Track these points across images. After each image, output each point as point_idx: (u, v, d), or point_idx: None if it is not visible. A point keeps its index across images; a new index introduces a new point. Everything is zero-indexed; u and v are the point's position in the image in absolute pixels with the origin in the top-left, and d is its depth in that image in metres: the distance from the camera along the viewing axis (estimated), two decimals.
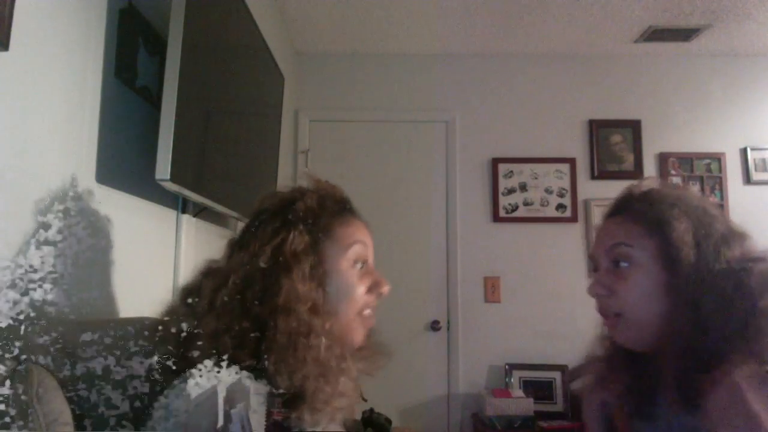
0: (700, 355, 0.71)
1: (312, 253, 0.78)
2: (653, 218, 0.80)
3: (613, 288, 0.82)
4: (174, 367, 0.69)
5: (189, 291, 0.79)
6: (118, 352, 0.75)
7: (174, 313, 0.77)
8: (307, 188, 0.86)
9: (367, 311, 0.84)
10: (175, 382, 0.66)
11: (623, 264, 0.81)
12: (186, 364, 0.68)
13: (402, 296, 2.94)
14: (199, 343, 0.70)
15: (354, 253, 0.83)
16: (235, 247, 0.81)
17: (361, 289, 0.82)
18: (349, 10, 2.71)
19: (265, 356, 0.70)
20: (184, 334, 0.72)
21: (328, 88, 3.18)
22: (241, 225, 2.00)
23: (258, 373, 0.70)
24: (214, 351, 0.69)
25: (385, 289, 0.85)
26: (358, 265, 0.83)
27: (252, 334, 0.71)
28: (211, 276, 0.78)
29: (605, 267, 0.84)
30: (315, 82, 3.18)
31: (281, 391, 0.70)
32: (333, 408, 0.73)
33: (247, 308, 0.73)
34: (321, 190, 0.86)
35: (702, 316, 0.72)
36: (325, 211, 0.82)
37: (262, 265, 0.75)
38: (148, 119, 1.20)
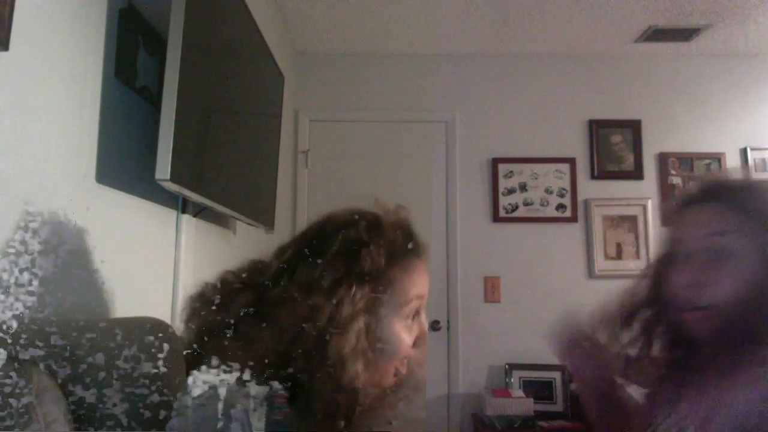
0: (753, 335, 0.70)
1: (369, 313, 0.74)
2: (760, 212, 0.75)
3: (707, 280, 0.76)
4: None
5: (204, 298, 0.77)
6: (117, 353, 0.75)
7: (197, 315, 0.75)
8: (376, 221, 0.82)
9: (405, 363, 0.81)
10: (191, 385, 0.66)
11: (722, 256, 0.75)
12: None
13: None
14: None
15: (410, 310, 0.80)
16: (285, 264, 0.77)
17: (408, 343, 0.80)
18: (349, 10, 2.71)
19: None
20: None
21: (328, 88, 3.18)
22: (241, 225, 1.99)
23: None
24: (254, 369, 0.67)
25: (426, 344, 0.82)
26: (410, 320, 0.80)
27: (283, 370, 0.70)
28: (245, 292, 0.75)
29: (699, 256, 0.78)
30: (315, 82, 3.18)
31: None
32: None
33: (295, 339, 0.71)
34: (390, 230, 0.81)
35: None
36: (392, 266, 0.78)
37: (318, 322, 0.72)
38: (148, 119, 1.20)
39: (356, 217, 0.82)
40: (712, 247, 0.77)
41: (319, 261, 0.75)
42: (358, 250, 0.76)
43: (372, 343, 0.74)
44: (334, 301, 0.72)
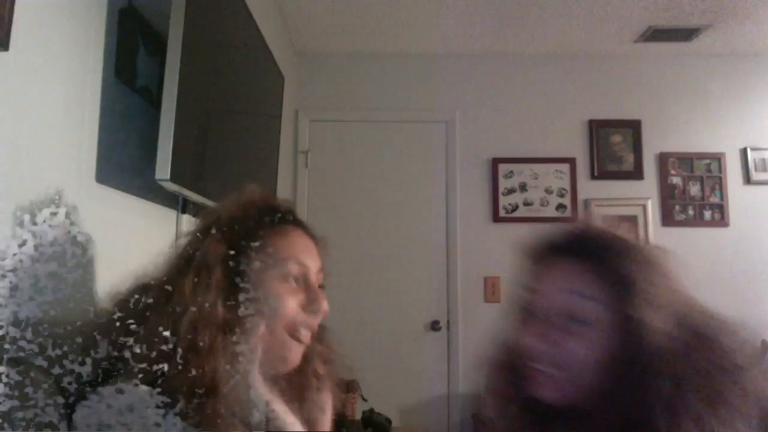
0: (634, 426, 0.63)
1: (226, 263, 0.71)
2: (624, 277, 0.69)
3: (558, 343, 0.71)
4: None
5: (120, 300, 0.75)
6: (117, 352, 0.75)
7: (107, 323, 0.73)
8: (237, 199, 0.80)
9: (304, 332, 0.76)
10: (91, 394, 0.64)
11: (576, 320, 0.70)
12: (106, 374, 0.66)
13: (402, 296, 2.94)
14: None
15: (286, 268, 0.75)
16: (169, 266, 0.76)
17: (290, 304, 0.75)
18: (349, 10, 2.71)
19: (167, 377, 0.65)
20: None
21: (328, 88, 3.18)
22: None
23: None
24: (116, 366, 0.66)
25: (323, 308, 0.77)
26: (291, 281, 0.76)
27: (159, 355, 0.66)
28: (141, 289, 0.73)
29: (552, 318, 0.72)
30: (315, 82, 3.18)
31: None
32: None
33: (158, 325, 0.67)
34: (247, 200, 0.79)
35: (646, 383, 0.64)
36: (249, 219, 0.76)
37: (173, 276, 0.70)
38: (148, 119, 1.20)
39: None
40: (566, 309, 0.71)
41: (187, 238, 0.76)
42: (213, 213, 0.76)
43: (234, 295, 0.70)
44: (188, 254, 0.72)
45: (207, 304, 0.68)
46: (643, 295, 0.67)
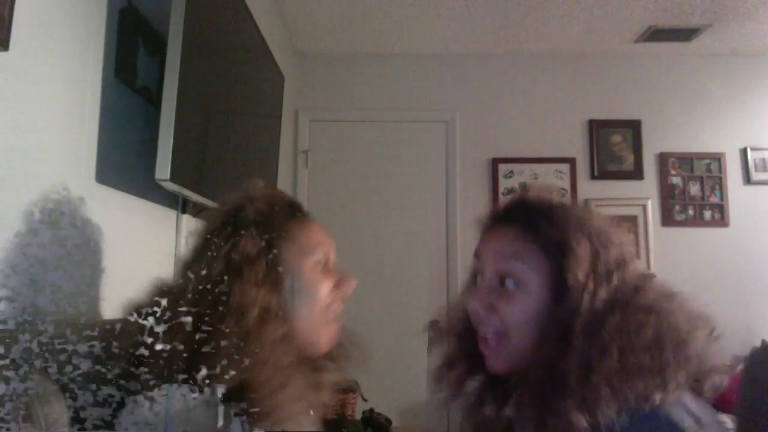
0: (558, 394, 0.64)
1: (266, 255, 0.75)
2: (554, 239, 0.71)
3: (495, 306, 0.73)
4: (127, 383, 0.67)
5: (139, 309, 0.73)
6: (115, 353, 0.75)
7: (125, 331, 0.72)
8: (252, 193, 0.83)
9: (334, 313, 0.81)
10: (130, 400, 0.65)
11: (510, 282, 0.73)
12: (139, 381, 0.66)
13: (402, 296, 2.94)
14: (153, 360, 0.67)
15: (316, 257, 0.80)
16: (187, 264, 0.77)
17: (324, 288, 0.80)
18: (349, 10, 2.71)
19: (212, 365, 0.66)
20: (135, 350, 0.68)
21: (328, 88, 3.18)
22: None
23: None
24: (169, 369, 0.66)
25: (351, 285, 0.83)
26: (320, 267, 0.81)
27: (204, 347, 0.67)
28: (165, 294, 0.73)
29: (489, 281, 0.76)
30: (315, 82, 3.17)
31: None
32: (276, 418, 0.68)
33: (201, 322, 0.69)
34: (270, 195, 0.83)
35: (572, 348, 0.65)
36: (277, 214, 0.80)
37: (215, 274, 0.72)
38: (148, 119, 1.20)
39: (235, 195, 0.84)
40: (500, 272, 0.74)
41: (206, 237, 0.77)
42: (241, 209, 0.79)
43: (276, 286, 0.74)
44: (227, 249, 0.73)
45: (268, 299, 0.72)
46: (571, 255, 0.69)
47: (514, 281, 0.72)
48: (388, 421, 2.18)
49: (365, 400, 2.20)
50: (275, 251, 0.76)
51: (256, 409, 0.67)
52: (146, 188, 1.19)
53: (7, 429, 0.61)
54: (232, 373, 0.66)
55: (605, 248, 0.71)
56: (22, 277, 0.80)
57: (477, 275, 0.79)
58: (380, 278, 2.92)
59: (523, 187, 2.98)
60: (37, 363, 0.68)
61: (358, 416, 2.12)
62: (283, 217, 0.80)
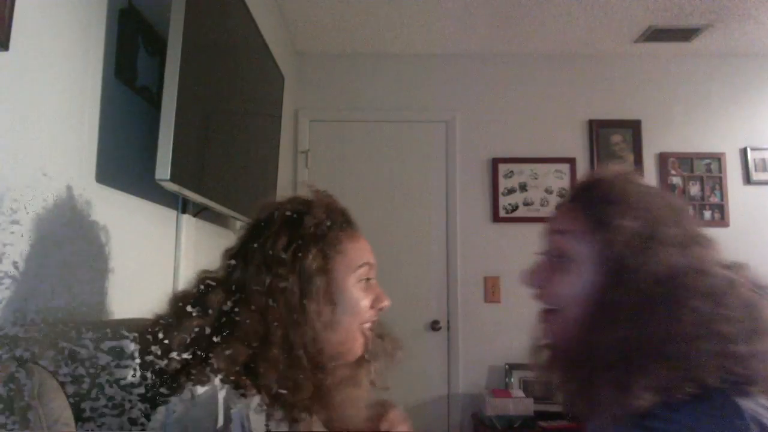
0: (597, 360, 0.65)
1: (325, 272, 0.79)
2: (598, 213, 0.72)
3: (547, 280, 0.76)
4: (170, 374, 0.69)
5: (186, 300, 0.77)
6: (116, 353, 0.75)
7: (169, 321, 0.75)
8: (309, 199, 0.86)
9: (368, 324, 0.86)
10: (179, 387, 0.66)
11: (557, 257, 0.75)
12: (185, 373, 0.68)
13: (402, 296, 2.93)
14: (201, 354, 0.70)
15: (362, 273, 0.84)
16: (238, 259, 0.80)
17: (365, 304, 0.84)
18: (349, 10, 2.71)
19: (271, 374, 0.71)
20: (177, 341, 0.71)
21: (328, 88, 3.18)
22: (240, 225, 1.99)
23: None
24: (224, 366, 0.69)
25: (386, 304, 0.87)
26: (363, 282, 0.85)
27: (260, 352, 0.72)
28: (216, 289, 0.76)
29: (543, 255, 0.78)
30: (315, 82, 3.17)
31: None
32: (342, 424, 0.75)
33: (260, 326, 0.73)
34: (324, 202, 0.86)
35: (610, 318, 0.66)
36: (334, 227, 0.83)
37: (282, 285, 0.75)
38: (148, 119, 1.20)
39: (290, 198, 0.87)
40: (551, 247, 0.76)
41: (262, 236, 0.79)
42: (299, 218, 0.81)
43: (331, 300, 0.79)
44: (293, 262, 0.77)
45: (320, 311, 0.77)
46: (611, 230, 0.69)
47: (564, 255, 0.74)
48: None
49: None
50: (329, 267, 0.80)
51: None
52: (146, 188, 1.19)
53: (8, 430, 0.61)
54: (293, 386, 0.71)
55: (658, 226, 0.69)
56: (22, 276, 0.80)
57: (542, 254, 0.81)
58: (380, 278, 2.90)
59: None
60: (41, 361, 0.68)
61: None
62: (338, 229, 0.84)
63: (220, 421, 0.66)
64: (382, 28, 2.89)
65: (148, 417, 0.68)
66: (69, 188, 0.95)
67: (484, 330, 2.98)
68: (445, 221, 3.08)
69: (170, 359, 0.69)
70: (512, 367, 2.90)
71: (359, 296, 0.83)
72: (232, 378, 0.69)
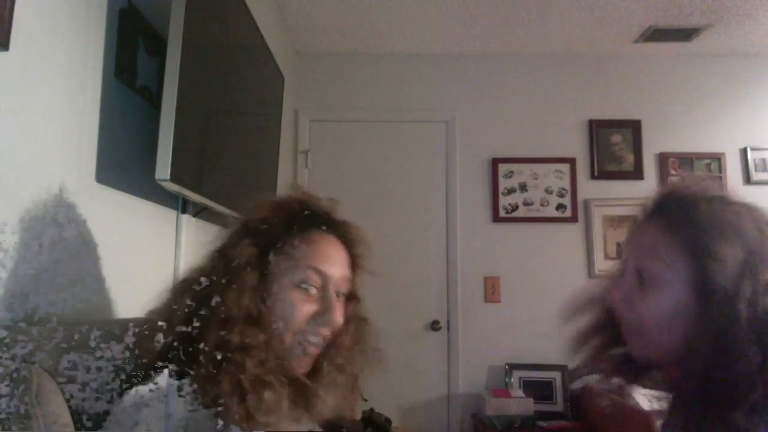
0: (718, 394, 0.63)
1: (257, 265, 0.74)
2: (699, 239, 0.68)
3: (633, 300, 0.73)
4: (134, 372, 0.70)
5: (156, 311, 0.76)
6: (117, 353, 0.75)
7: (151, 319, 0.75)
8: (278, 198, 0.81)
9: (310, 340, 0.75)
10: (125, 389, 0.67)
11: (647, 278, 0.71)
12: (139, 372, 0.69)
13: (402, 296, 2.94)
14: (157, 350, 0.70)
15: (303, 277, 0.75)
16: (197, 266, 0.78)
17: (300, 313, 0.74)
18: (349, 10, 2.71)
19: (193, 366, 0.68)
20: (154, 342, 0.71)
21: (328, 88, 3.18)
22: None
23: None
24: (163, 361, 0.68)
25: (327, 327, 0.76)
26: (310, 289, 0.76)
27: (191, 347, 0.69)
28: (182, 294, 0.75)
29: (630, 274, 0.74)
30: (315, 82, 3.17)
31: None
32: (251, 425, 0.67)
33: (193, 319, 0.71)
34: (282, 203, 0.80)
35: (729, 352, 0.63)
36: (280, 224, 0.77)
37: (213, 277, 0.73)
38: (148, 119, 1.20)
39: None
40: (638, 267, 0.73)
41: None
42: (247, 215, 0.79)
43: (262, 296, 0.73)
44: (226, 254, 0.74)
45: (249, 307, 0.71)
46: (714, 258, 0.66)
47: (651, 277, 0.71)
48: (388, 421, 2.18)
49: (365, 400, 2.20)
50: (267, 261, 0.75)
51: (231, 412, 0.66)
52: (146, 188, 1.19)
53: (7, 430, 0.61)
54: (202, 377, 0.67)
55: (762, 252, 0.67)
56: (22, 276, 0.80)
57: (623, 267, 0.78)
58: (380, 278, 2.90)
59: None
60: (40, 361, 0.68)
61: (358, 416, 2.11)
62: (286, 227, 0.77)
63: (221, 422, 0.66)
64: (382, 28, 2.89)
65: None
66: (69, 188, 0.95)
67: (484, 330, 2.98)
68: (445, 221, 3.08)
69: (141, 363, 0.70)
70: (512, 367, 2.90)
71: (291, 302, 0.74)
72: (148, 362, 0.68)
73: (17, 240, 0.80)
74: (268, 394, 0.66)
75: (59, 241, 0.90)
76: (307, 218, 0.80)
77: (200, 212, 1.53)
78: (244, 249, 0.74)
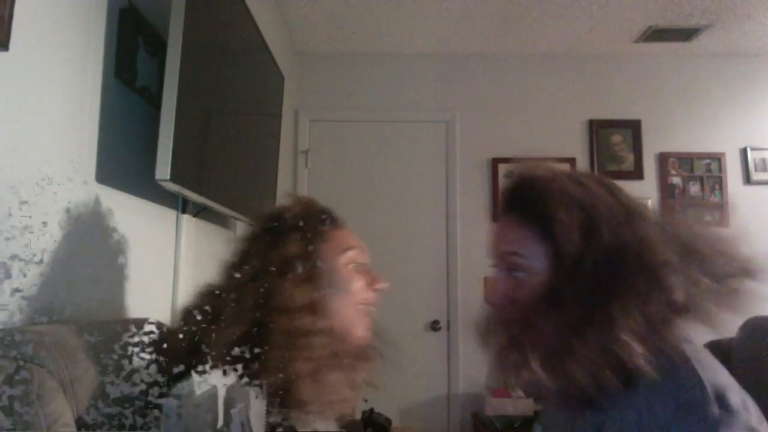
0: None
1: (306, 256, 0.81)
2: (540, 218, 0.73)
3: (511, 296, 0.76)
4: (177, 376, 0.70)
5: (189, 309, 0.80)
6: (118, 353, 0.75)
7: (176, 329, 0.78)
8: (286, 204, 0.90)
9: (367, 306, 0.87)
10: (179, 386, 0.67)
11: (518, 273, 0.75)
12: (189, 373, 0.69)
13: (402, 296, 2.94)
14: (207, 352, 0.71)
15: (349, 256, 0.87)
16: (232, 268, 0.83)
17: (358, 284, 0.86)
18: (349, 10, 2.71)
19: (261, 357, 0.72)
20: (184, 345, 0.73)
21: (328, 88, 3.18)
22: (241, 225, 1.99)
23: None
24: (219, 361, 0.70)
25: (383, 284, 0.89)
26: (354, 265, 0.87)
27: (252, 342, 0.73)
28: (212, 295, 0.79)
29: (501, 273, 0.78)
30: (315, 82, 3.17)
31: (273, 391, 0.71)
32: (325, 407, 0.75)
33: (249, 318, 0.75)
34: (302, 201, 0.90)
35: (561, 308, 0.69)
36: (313, 218, 0.86)
37: (256, 275, 0.78)
38: (148, 119, 1.20)
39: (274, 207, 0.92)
40: (510, 266, 0.76)
41: (249, 242, 0.84)
42: (280, 216, 0.86)
43: (317, 283, 0.80)
44: (272, 253, 0.80)
45: (308, 296, 0.78)
46: (556, 224, 0.71)
47: (518, 266, 0.75)
48: (388, 421, 2.18)
49: (365, 400, 2.20)
50: (314, 250, 0.83)
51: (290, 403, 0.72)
52: (146, 188, 1.19)
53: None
54: (276, 367, 0.72)
55: (593, 210, 0.72)
56: (22, 277, 0.80)
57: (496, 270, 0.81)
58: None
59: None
60: (41, 361, 0.68)
61: (358, 416, 2.11)
62: (318, 220, 0.87)
63: (221, 422, 0.66)
64: (382, 28, 2.89)
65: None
66: (69, 188, 0.95)
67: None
68: (445, 221, 3.08)
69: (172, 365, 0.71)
70: None
71: (350, 277, 0.86)
72: (220, 361, 0.70)
73: (17, 240, 0.80)
74: (339, 379, 0.75)
75: (58, 241, 0.90)
76: (328, 215, 0.90)
77: (200, 212, 1.53)
78: (292, 244, 0.81)
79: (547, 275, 0.73)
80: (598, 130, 3.14)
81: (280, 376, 0.72)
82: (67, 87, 0.95)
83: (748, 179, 3.10)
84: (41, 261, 0.85)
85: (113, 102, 1.10)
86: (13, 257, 0.78)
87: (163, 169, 1.05)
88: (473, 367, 2.95)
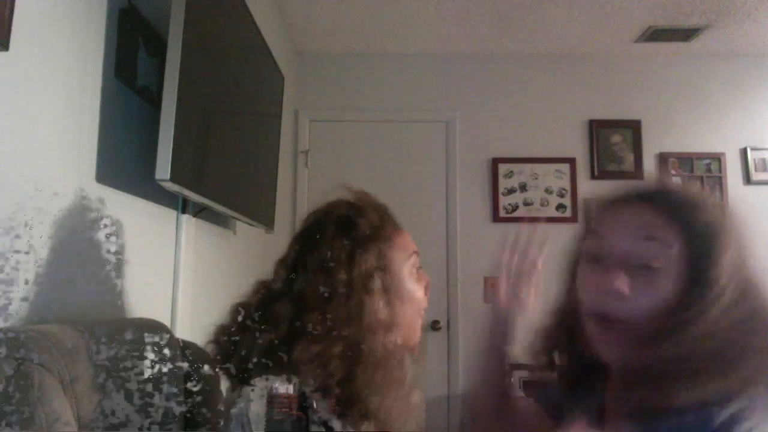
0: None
1: (383, 269, 0.82)
2: (701, 231, 0.65)
3: (632, 290, 0.65)
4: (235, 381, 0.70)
5: (246, 311, 0.78)
6: (118, 353, 0.75)
7: (228, 331, 0.78)
8: (352, 201, 0.89)
9: (425, 308, 0.91)
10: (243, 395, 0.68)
11: (648, 264, 0.65)
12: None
13: None
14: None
15: (414, 262, 0.89)
16: (297, 268, 0.81)
17: (420, 293, 0.89)
18: (349, 10, 2.71)
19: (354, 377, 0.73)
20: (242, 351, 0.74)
21: (328, 88, 3.18)
22: (241, 225, 1.99)
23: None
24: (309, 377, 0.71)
25: (430, 282, 0.92)
26: (415, 271, 0.90)
27: (339, 359, 0.74)
28: (282, 300, 0.78)
29: (624, 261, 0.66)
30: (315, 82, 3.17)
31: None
32: (400, 424, 0.77)
33: (339, 335, 0.75)
34: (369, 201, 0.90)
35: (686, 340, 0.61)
36: (387, 226, 0.87)
37: (342, 290, 0.78)
38: (148, 119, 1.20)
39: (334, 203, 0.89)
40: (638, 252, 0.66)
41: (316, 243, 0.81)
42: (351, 221, 0.84)
43: (392, 295, 0.81)
44: (352, 264, 0.79)
45: (384, 309, 0.79)
46: (713, 252, 0.63)
47: (652, 261, 0.65)
48: None
49: None
50: (386, 263, 0.83)
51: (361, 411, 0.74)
52: (146, 188, 1.19)
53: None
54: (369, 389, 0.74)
55: (744, 253, 0.67)
56: (22, 277, 0.80)
57: (595, 256, 0.71)
58: None
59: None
60: (41, 360, 0.68)
61: None
62: (390, 229, 0.88)
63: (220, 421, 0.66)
64: (382, 28, 2.89)
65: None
66: (69, 188, 0.95)
67: (484, 330, 2.97)
68: (445, 221, 3.08)
69: (244, 368, 0.72)
70: (512, 367, 2.90)
71: (415, 286, 0.88)
72: (311, 376, 0.71)
73: (17, 240, 0.80)
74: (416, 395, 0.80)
75: (58, 241, 0.90)
76: (387, 214, 0.92)
77: (200, 212, 1.53)
78: (372, 258, 0.82)
79: (673, 287, 0.64)
80: (598, 130, 3.14)
81: (374, 398, 0.73)
82: (67, 87, 0.95)
83: (748, 179, 3.10)
84: (41, 261, 0.85)
85: (113, 102, 1.10)
86: (13, 257, 0.79)
87: (163, 169, 1.06)
88: (473, 367, 2.95)
